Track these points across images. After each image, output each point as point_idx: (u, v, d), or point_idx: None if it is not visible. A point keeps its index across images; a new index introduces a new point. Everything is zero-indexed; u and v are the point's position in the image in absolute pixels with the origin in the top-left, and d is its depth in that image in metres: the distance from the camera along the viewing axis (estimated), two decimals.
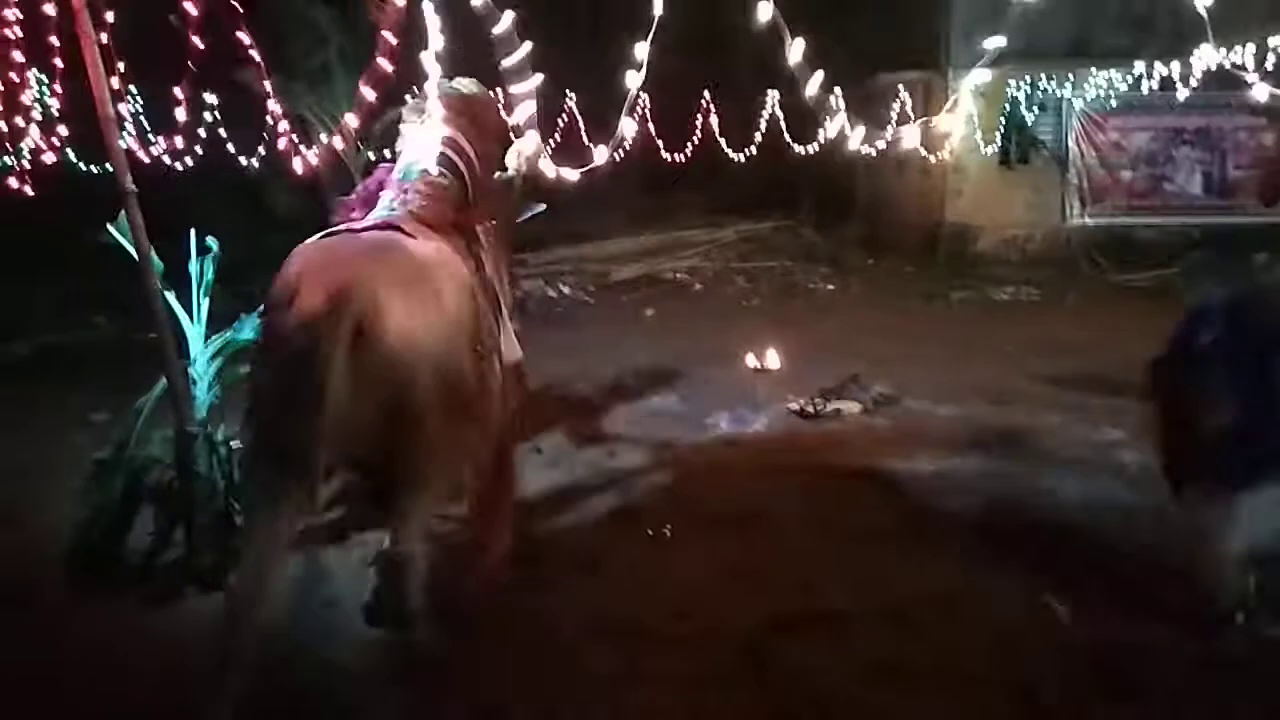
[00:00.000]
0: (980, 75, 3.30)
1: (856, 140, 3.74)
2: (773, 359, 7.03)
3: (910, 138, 3.71)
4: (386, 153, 11.40)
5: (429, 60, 3.34)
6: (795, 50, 3.05)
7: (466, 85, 3.98)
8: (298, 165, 4.81)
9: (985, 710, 3.37)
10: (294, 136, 5.12)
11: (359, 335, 2.98)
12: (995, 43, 2.98)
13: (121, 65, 4.51)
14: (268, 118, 5.87)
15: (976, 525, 4.81)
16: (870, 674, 3.57)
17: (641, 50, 3.16)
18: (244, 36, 4.52)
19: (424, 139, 3.77)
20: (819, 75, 3.11)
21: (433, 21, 3.28)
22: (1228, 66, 7.08)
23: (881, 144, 4.72)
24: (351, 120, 4.06)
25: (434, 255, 3.37)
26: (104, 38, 4.22)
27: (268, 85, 5.06)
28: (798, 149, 11.14)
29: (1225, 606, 3.57)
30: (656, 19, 3.05)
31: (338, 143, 4.54)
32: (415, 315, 3.12)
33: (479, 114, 3.94)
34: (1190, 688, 3.46)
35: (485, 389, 3.47)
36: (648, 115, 11.34)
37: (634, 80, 3.19)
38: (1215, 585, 3.59)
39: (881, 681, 3.53)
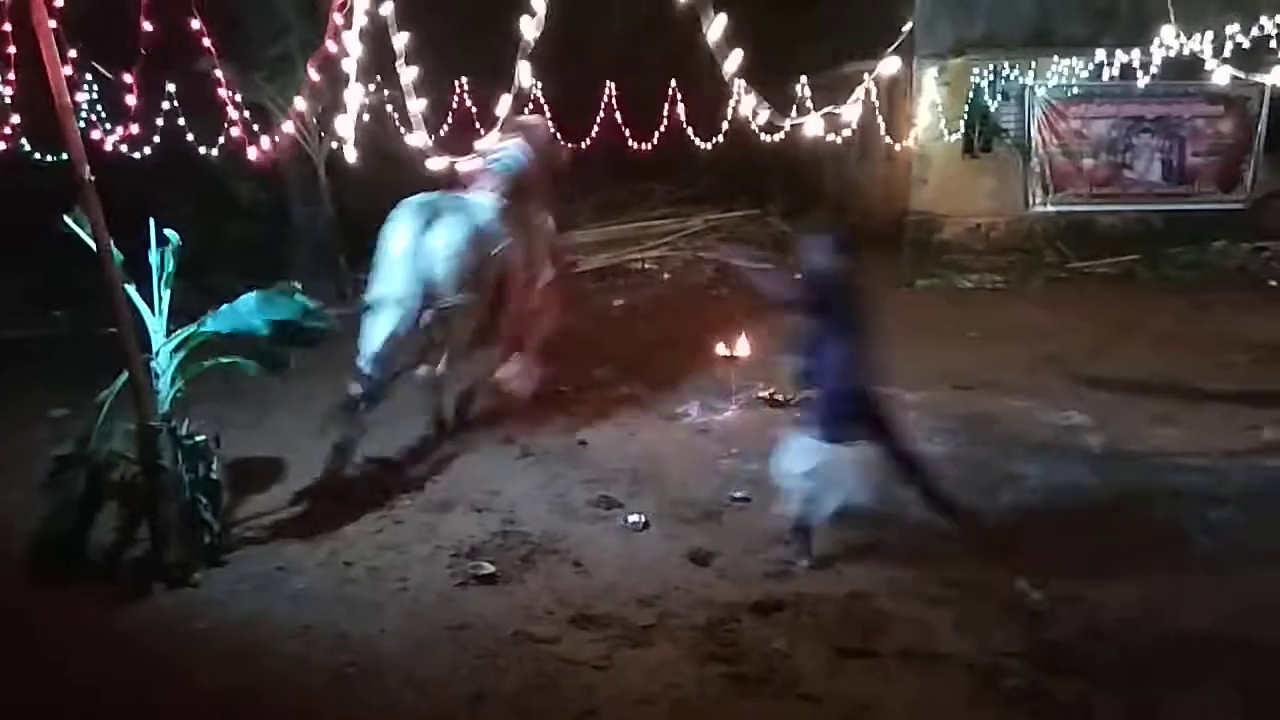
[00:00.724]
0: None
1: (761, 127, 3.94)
2: (742, 347, 7.05)
3: (812, 126, 3.89)
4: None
5: (352, 40, 3.52)
6: (715, 29, 3.18)
7: (529, 118, 6.93)
8: (253, 153, 4.90)
9: (951, 690, 3.42)
10: (254, 126, 5.10)
11: (426, 228, 5.53)
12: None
13: (75, 53, 4.43)
14: (228, 107, 5.83)
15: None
16: (840, 656, 3.61)
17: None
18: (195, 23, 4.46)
19: (507, 147, 6.21)
20: (735, 65, 3.27)
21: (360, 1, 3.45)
22: (1187, 53, 7.15)
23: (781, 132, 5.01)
24: (300, 104, 4.61)
25: (484, 205, 6.00)
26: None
27: (219, 73, 5.05)
28: (764, 138, 11.15)
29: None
30: None
31: (288, 127, 4.90)
32: (454, 227, 5.62)
33: (533, 133, 6.64)
34: (1146, 664, 3.54)
35: (506, 278, 6.04)
36: (614, 103, 11.30)
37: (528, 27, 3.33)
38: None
39: (851, 663, 3.58)
